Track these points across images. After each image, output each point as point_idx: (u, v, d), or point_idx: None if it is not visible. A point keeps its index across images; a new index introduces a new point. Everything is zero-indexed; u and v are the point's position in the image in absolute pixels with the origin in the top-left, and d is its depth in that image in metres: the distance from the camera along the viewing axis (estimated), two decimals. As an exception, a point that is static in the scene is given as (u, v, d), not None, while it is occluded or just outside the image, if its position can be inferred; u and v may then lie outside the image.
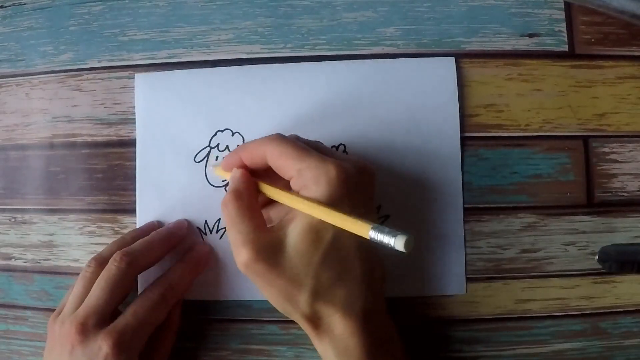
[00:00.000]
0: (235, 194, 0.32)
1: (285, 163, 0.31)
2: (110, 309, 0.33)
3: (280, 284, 0.30)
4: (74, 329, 0.32)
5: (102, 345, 0.32)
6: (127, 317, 0.33)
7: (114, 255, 0.34)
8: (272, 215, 0.35)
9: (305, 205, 0.30)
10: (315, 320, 0.31)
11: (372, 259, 0.32)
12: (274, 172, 0.33)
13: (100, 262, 0.35)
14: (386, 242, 0.27)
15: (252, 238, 0.30)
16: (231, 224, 0.31)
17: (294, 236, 0.30)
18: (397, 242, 0.26)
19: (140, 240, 0.36)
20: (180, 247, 0.38)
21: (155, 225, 0.38)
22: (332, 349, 0.31)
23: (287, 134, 0.33)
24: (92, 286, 0.34)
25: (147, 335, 0.34)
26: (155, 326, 0.35)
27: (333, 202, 0.30)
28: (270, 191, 0.32)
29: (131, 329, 0.33)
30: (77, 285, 0.35)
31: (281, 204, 0.33)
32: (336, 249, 0.30)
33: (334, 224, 0.29)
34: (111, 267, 0.34)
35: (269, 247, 0.30)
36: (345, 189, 0.30)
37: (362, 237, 0.28)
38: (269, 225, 0.32)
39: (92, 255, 0.36)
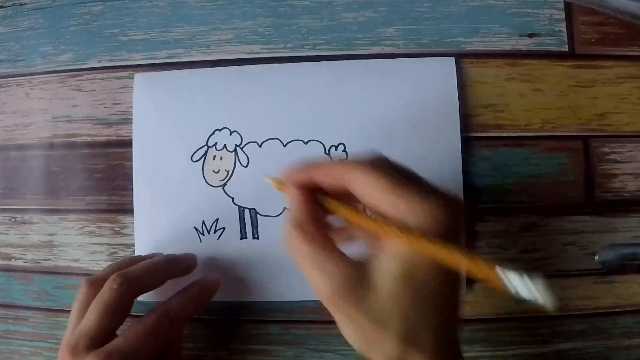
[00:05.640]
0: (297, 226, 0.29)
1: (381, 197, 0.27)
2: (103, 332, 0.32)
3: (363, 323, 0.27)
4: (65, 352, 0.31)
5: None
6: (119, 340, 0.32)
7: (110, 277, 0.33)
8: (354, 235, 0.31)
9: (415, 240, 0.26)
10: None
11: (456, 297, 0.29)
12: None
13: (94, 283, 0.34)
14: (532, 297, 0.23)
15: (330, 269, 0.27)
16: (302, 256, 0.28)
17: (384, 271, 0.27)
18: (545, 300, 0.23)
19: (139, 263, 0.35)
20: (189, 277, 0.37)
21: (157, 255, 0.37)
22: None
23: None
24: (86, 309, 0.33)
25: None
26: (151, 353, 0.33)
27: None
28: (359, 219, 0.29)
29: (120, 352, 0.31)
30: (72, 309, 0.34)
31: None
32: (427, 288, 0.27)
33: (456, 265, 0.26)
34: (105, 290, 0.33)
35: (352, 280, 0.27)
36: (445, 230, 0.27)
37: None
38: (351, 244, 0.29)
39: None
